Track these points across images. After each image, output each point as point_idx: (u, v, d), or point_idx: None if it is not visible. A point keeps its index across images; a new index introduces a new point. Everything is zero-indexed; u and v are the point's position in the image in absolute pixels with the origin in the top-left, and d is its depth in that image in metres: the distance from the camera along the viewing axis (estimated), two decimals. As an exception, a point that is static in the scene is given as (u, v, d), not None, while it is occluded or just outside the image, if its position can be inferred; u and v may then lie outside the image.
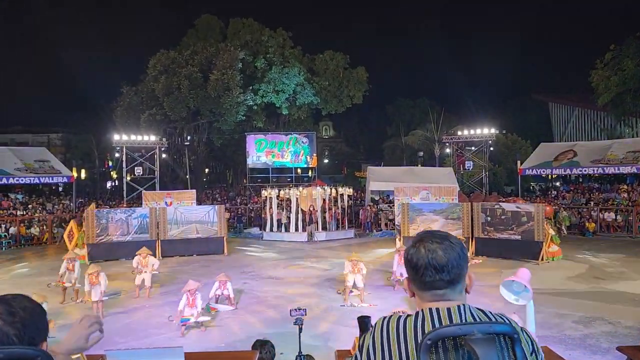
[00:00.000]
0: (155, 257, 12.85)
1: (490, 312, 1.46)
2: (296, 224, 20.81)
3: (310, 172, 34.50)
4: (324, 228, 21.01)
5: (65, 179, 24.35)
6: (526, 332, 1.43)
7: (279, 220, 21.28)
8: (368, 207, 24.27)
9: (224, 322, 8.94)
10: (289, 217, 21.44)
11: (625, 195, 23.44)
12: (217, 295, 9.79)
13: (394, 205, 21.46)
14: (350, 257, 10.78)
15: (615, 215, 21.12)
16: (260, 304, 10.23)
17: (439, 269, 1.42)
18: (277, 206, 21.56)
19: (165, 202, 18.95)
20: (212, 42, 32.06)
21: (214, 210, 17.72)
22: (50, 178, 23.65)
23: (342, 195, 21.61)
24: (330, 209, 21.38)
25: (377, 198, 26.63)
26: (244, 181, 35.74)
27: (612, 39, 25.91)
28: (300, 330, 5.54)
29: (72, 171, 24.42)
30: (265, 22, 34.03)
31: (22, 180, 22.61)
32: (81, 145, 40.50)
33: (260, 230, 22.04)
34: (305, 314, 5.60)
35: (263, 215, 22.48)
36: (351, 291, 10.42)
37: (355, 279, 10.34)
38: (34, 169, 22.79)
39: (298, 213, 20.83)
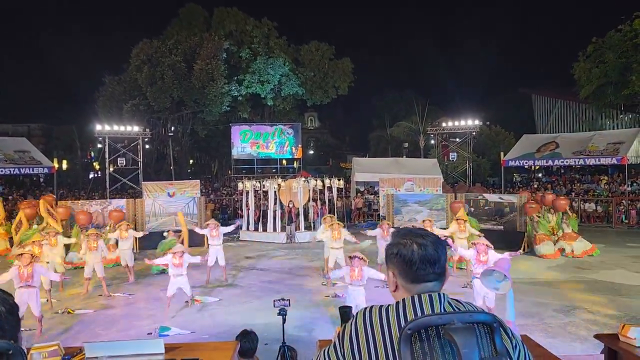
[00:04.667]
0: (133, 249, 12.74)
1: (465, 302, 1.52)
2: (274, 223, 18.08)
3: (295, 163, 34.47)
4: (307, 227, 18.34)
5: (46, 170, 23.92)
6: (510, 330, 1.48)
7: (261, 214, 19.01)
8: (356, 197, 24.29)
9: (208, 312, 8.91)
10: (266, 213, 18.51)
11: (606, 186, 23.85)
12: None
13: (378, 196, 21.37)
14: (328, 222, 10.86)
15: (596, 206, 21.47)
16: (244, 294, 10.21)
17: (432, 262, 1.50)
18: (259, 200, 19.66)
19: (168, 193, 18.46)
20: (196, 32, 31.74)
21: (194, 202, 17.29)
22: (31, 169, 23.21)
23: (330, 187, 19.17)
24: (315, 203, 19.07)
25: (362, 189, 26.69)
26: (229, 172, 35.59)
27: (594, 31, 26.22)
28: (284, 320, 5.54)
29: (53, 162, 24.01)
30: (250, 12, 33.79)
31: (2, 171, 22.17)
32: (62, 136, 39.92)
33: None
34: (289, 305, 5.60)
35: (239, 212, 20.29)
36: (334, 283, 10.45)
37: (337, 258, 10.39)
38: (13, 160, 22.34)
39: (276, 209, 18.19)
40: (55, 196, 17.94)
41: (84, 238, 10.74)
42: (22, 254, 7.51)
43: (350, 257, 7.15)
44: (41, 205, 13.50)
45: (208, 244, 11.74)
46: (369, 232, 11.89)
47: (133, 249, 12.38)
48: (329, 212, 19.17)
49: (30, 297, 7.26)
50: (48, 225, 13.26)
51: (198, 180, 20.44)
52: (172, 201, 17.40)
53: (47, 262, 9.97)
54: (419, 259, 1.50)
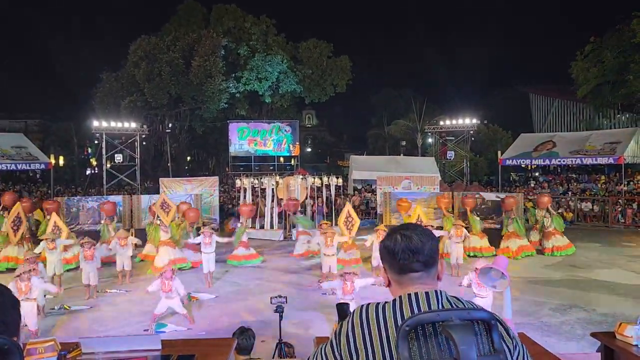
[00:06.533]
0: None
1: (465, 300, 1.50)
2: (271, 220, 18.06)
3: (292, 161, 34.44)
4: None
5: (42, 166, 23.82)
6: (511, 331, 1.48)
7: (258, 212, 18.39)
8: (353, 195, 24.26)
9: (205, 310, 8.91)
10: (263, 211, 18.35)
11: (603, 185, 23.90)
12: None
13: (376, 194, 21.30)
14: (322, 229, 10.82)
15: (592, 205, 21.52)
16: (242, 291, 10.21)
17: (415, 251, 1.50)
18: (256, 197, 19.13)
19: (185, 189, 18.41)
20: (194, 29, 31.65)
21: (190, 199, 17.05)
22: (28, 165, 23.11)
23: (327, 185, 18.81)
24: (313, 200, 18.94)
25: (359, 187, 26.69)
26: (227, 169, 35.53)
27: (593, 30, 26.27)
28: (281, 317, 5.55)
29: (49, 158, 23.92)
30: (249, 9, 33.71)
31: (-2, 166, 22.10)
32: (60, 132, 39.72)
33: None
34: (286, 302, 5.61)
35: (236, 209, 19.54)
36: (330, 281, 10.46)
37: (330, 265, 10.39)
38: (10, 155, 22.24)
39: (273, 207, 18.07)
40: (15, 193, 17.47)
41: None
42: (20, 275, 6.94)
43: (342, 275, 6.95)
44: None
45: (201, 251, 10.96)
46: (366, 242, 11.27)
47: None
48: (328, 211, 19.25)
49: (28, 311, 6.76)
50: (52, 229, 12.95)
51: (216, 177, 20.42)
52: (168, 198, 17.26)
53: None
54: (401, 248, 1.51)
